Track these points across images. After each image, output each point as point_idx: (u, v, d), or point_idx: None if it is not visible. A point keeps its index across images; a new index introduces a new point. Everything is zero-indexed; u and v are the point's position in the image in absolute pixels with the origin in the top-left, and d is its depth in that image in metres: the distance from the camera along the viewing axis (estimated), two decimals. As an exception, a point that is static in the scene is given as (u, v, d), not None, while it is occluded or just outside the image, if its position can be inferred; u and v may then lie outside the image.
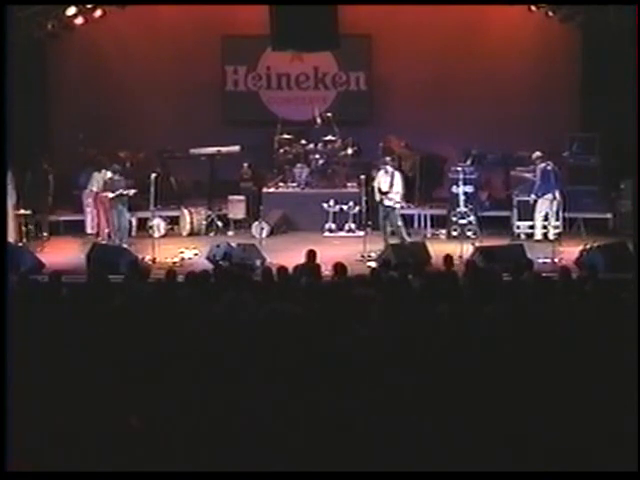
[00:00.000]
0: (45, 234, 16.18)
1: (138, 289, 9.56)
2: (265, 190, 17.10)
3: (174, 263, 13.85)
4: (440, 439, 5.70)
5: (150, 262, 13.75)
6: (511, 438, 5.72)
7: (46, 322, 7.96)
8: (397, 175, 15.10)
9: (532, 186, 15.57)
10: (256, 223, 15.80)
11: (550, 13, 16.62)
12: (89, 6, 16.43)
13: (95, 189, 16.09)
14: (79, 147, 17.35)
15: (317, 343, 7.06)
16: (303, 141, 17.63)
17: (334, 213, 16.52)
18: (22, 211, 15.70)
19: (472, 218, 15.74)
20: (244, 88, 19.24)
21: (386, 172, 15.04)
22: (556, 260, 13.53)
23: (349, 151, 17.42)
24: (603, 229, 16.14)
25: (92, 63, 18.39)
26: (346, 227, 16.40)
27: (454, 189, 16.09)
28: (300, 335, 7.23)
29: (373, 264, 13.20)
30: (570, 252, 13.84)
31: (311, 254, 11.39)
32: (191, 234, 16.58)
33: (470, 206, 15.87)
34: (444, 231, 16.14)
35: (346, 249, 14.67)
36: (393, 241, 14.65)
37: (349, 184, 17.14)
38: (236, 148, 17.46)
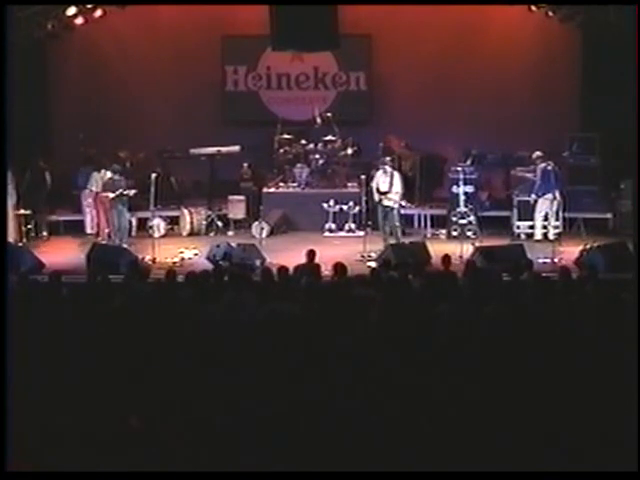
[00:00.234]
0: (45, 234, 16.19)
1: (138, 289, 9.56)
2: (265, 190, 17.09)
3: (174, 263, 13.84)
4: (440, 439, 5.70)
5: (150, 262, 13.74)
6: (511, 438, 5.72)
7: (46, 322, 7.96)
8: (396, 175, 15.10)
9: (532, 186, 15.56)
10: (256, 223, 15.80)
11: (550, 13, 16.62)
12: (89, 6, 16.44)
13: (95, 189, 16.09)
14: (79, 147, 17.34)
15: (317, 343, 7.06)
16: (303, 141, 17.62)
17: (334, 213, 16.51)
18: (22, 211, 15.70)
19: (472, 218, 15.73)
20: (244, 88, 19.24)
21: (385, 172, 15.04)
22: (556, 260, 13.52)
23: (349, 151, 17.41)
24: (603, 229, 16.14)
25: (92, 63, 18.40)
26: (346, 227, 16.39)
27: (454, 189, 16.08)
28: (300, 335, 7.23)
29: (373, 264, 13.19)
30: (570, 252, 13.84)
31: (311, 254, 11.38)
32: (191, 234, 16.57)
33: (470, 206, 15.86)
34: (444, 231, 16.13)
35: (346, 249, 14.66)
36: (392, 241, 14.65)
37: (349, 184, 17.13)
38: (236, 148, 17.45)
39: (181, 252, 14.65)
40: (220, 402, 6.08)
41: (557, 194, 15.21)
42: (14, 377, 6.19)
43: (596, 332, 7.38)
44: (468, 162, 16.82)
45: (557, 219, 15.27)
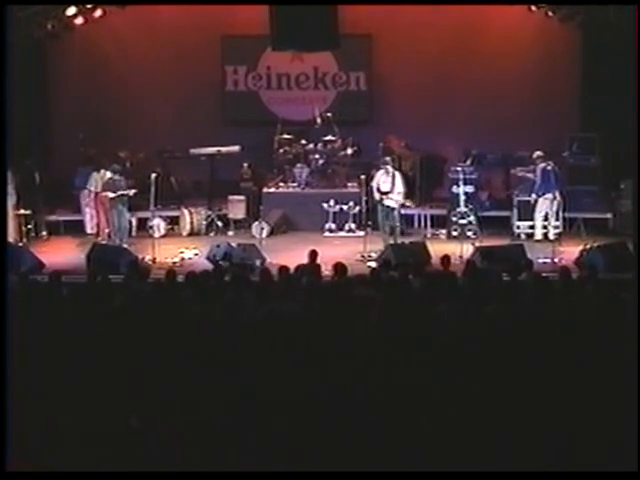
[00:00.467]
0: (44, 233, 16.18)
1: (138, 289, 9.56)
2: (265, 190, 17.08)
3: (174, 263, 13.84)
4: (440, 439, 5.70)
5: (150, 262, 13.74)
6: (511, 438, 5.72)
7: (46, 322, 7.96)
8: (398, 175, 15.10)
9: (532, 186, 15.55)
10: (256, 223, 15.79)
11: (550, 13, 16.62)
12: (89, 6, 16.43)
13: (94, 189, 16.08)
14: (79, 147, 17.33)
15: (317, 343, 7.06)
16: (303, 141, 17.61)
17: (334, 213, 16.51)
18: (22, 211, 15.70)
19: (472, 218, 15.72)
20: (244, 88, 19.24)
21: (387, 172, 15.02)
22: (556, 260, 13.52)
23: (349, 151, 17.40)
24: (603, 229, 16.13)
25: (92, 63, 18.39)
26: (346, 227, 16.38)
27: (454, 189, 16.07)
28: (300, 335, 7.23)
29: (373, 264, 13.19)
30: (570, 252, 13.83)
31: (313, 254, 11.35)
32: (191, 234, 16.56)
33: (470, 206, 15.85)
34: (444, 231, 16.12)
35: (346, 249, 14.65)
36: (392, 241, 14.64)
37: (349, 184, 17.13)
38: (236, 148, 17.45)
39: (181, 252, 14.65)
40: (220, 402, 6.08)
41: (557, 194, 15.21)
42: (14, 377, 6.19)
43: (596, 332, 7.37)
44: (468, 162, 16.82)
45: (557, 219, 15.27)
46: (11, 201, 15.18)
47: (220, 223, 16.70)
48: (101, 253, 13.57)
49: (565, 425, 5.85)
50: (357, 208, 16.03)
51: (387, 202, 14.92)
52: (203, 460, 5.60)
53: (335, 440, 5.66)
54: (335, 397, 6.06)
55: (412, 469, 5.43)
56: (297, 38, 15.43)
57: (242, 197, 17.01)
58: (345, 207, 16.40)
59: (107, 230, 15.65)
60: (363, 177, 15.38)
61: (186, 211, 16.71)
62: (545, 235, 15.38)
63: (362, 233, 14.98)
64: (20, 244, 14.94)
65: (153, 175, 14.90)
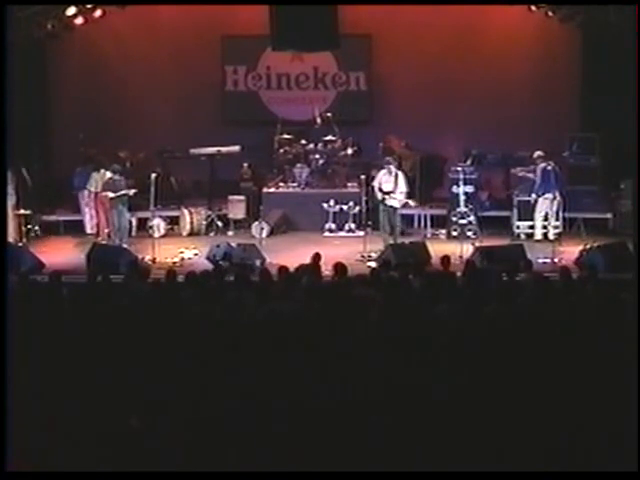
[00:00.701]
0: (37, 233, 16.15)
1: (138, 289, 9.56)
2: (265, 190, 17.08)
3: (174, 263, 13.84)
4: (440, 439, 5.70)
5: (150, 262, 13.74)
6: (511, 438, 5.72)
7: (46, 322, 7.96)
8: (400, 175, 15.09)
9: (532, 186, 15.55)
10: (256, 223, 15.79)
11: (550, 13, 16.61)
12: (89, 6, 16.41)
13: (94, 189, 16.09)
14: (79, 147, 17.33)
15: (317, 343, 7.06)
16: (303, 141, 17.61)
17: (334, 213, 16.50)
18: (22, 211, 15.70)
19: (472, 218, 15.72)
20: (244, 88, 19.24)
21: (389, 172, 14.99)
22: (556, 260, 13.52)
23: (349, 151, 17.40)
24: (603, 229, 16.13)
25: (92, 63, 18.38)
26: (346, 227, 16.38)
27: (454, 189, 16.08)
28: (300, 335, 7.23)
29: (373, 264, 13.19)
30: (570, 252, 13.83)
31: (317, 257, 11.27)
32: (191, 234, 16.56)
33: (470, 206, 15.85)
34: (444, 231, 16.12)
35: (346, 249, 14.65)
36: (392, 241, 14.64)
37: (349, 184, 17.13)
38: (236, 148, 17.45)
39: (181, 252, 14.65)
40: (220, 402, 6.08)
41: (557, 194, 15.21)
42: (14, 377, 6.19)
43: (596, 332, 7.37)
44: (468, 162, 16.82)
45: (557, 219, 15.27)
46: (11, 201, 15.19)
47: (220, 223, 16.71)
48: (101, 253, 13.57)
49: (565, 425, 5.85)
50: (357, 208, 16.03)
51: (390, 202, 14.89)
52: (203, 460, 5.61)
53: (335, 440, 5.66)
54: (335, 397, 6.06)
55: (412, 469, 5.43)
56: (297, 38, 15.43)
57: (242, 197, 17.01)
58: (345, 207, 16.40)
59: (107, 230, 15.66)
60: (363, 177, 15.39)
61: (186, 211, 16.71)
62: (545, 235, 15.38)
63: (362, 233, 14.98)
64: (20, 244, 14.94)
65: (153, 175, 14.90)
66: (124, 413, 5.99)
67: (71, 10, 15.95)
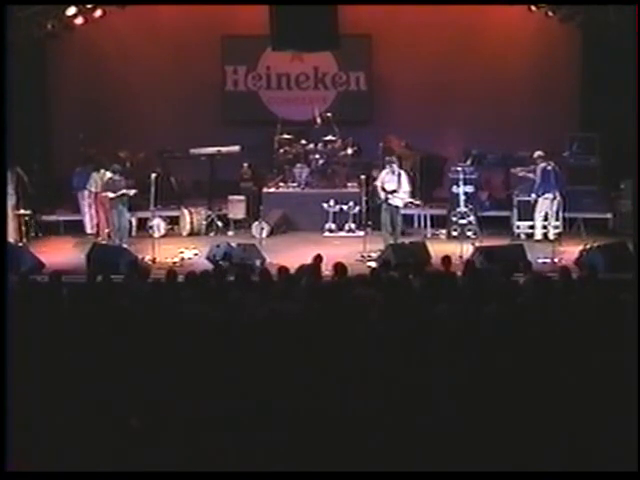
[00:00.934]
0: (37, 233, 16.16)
1: (138, 289, 9.56)
2: (265, 190, 17.08)
3: (174, 263, 13.84)
4: (440, 439, 5.70)
5: (150, 262, 13.74)
6: (511, 438, 5.72)
7: (46, 322, 7.96)
8: (403, 174, 15.08)
9: (532, 186, 15.55)
10: (256, 223, 15.79)
11: (550, 13, 16.60)
12: (89, 6, 16.41)
13: (94, 189, 16.10)
14: (79, 147, 17.33)
15: (317, 343, 7.06)
16: (303, 141, 17.61)
17: (334, 213, 16.50)
18: (22, 211, 15.70)
19: (472, 218, 15.72)
20: (244, 88, 19.24)
21: (392, 172, 14.97)
22: (556, 260, 13.52)
23: (349, 151, 17.40)
24: (603, 229, 16.13)
25: (92, 63, 18.38)
26: (346, 227, 16.38)
27: (454, 189, 16.08)
28: (300, 335, 7.23)
29: (373, 264, 13.19)
30: (570, 252, 13.83)
31: (318, 259, 11.25)
32: (191, 234, 16.56)
33: (470, 206, 15.85)
34: (444, 231, 16.12)
35: (346, 249, 14.65)
36: (393, 241, 14.64)
37: (349, 184, 17.13)
38: (236, 148, 17.45)
39: (181, 252, 14.65)
40: (220, 402, 6.08)
41: (557, 194, 15.21)
42: (14, 377, 6.19)
43: (596, 332, 7.37)
44: (468, 162, 16.82)
45: (557, 219, 15.26)
46: (11, 201, 15.19)
47: (220, 223, 16.70)
48: (101, 253, 13.57)
49: (565, 425, 5.85)
50: (357, 208, 16.03)
51: (393, 201, 14.87)
52: (203, 460, 5.61)
53: (335, 440, 5.66)
54: (335, 397, 6.06)
55: (412, 469, 5.43)
56: (297, 38, 15.43)
57: (242, 197, 17.01)
58: (345, 207, 16.40)
59: (107, 230, 15.66)
60: (363, 177, 15.38)
61: (186, 211, 16.71)
62: (545, 235, 15.38)
63: (362, 233, 14.98)
64: (20, 244, 14.94)
65: (153, 175, 14.90)
66: (124, 413, 5.99)
67: (71, 10, 15.95)
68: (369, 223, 15.42)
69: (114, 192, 15.16)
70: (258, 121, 18.58)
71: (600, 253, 13.02)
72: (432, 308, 8.08)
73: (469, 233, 15.50)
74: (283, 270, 10.15)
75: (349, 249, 14.64)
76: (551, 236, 15.09)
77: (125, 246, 14.57)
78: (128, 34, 18.39)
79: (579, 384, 6.31)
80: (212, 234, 16.47)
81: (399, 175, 14.95)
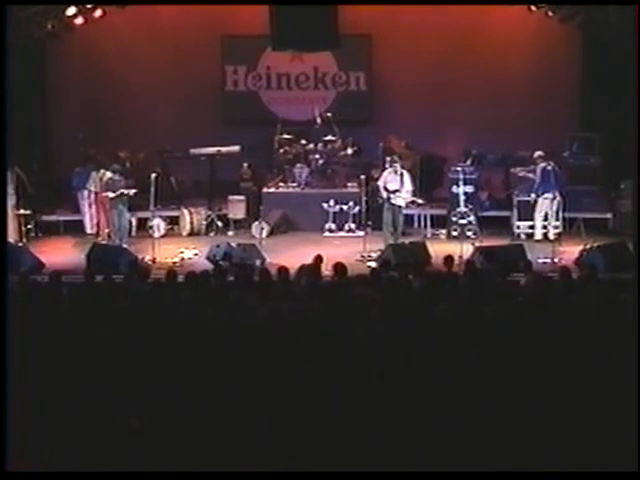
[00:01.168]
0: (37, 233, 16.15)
1: (138, 289, 9.56)
2: (265, 190, 17.08)
3: (174, 263, 13.84)
4: (440, 439, 5.70)
5: (150, 262, 13.74)
6: (511, 438, 5.72)
7: (46, 322, 7.96)
8: (406, 174, 15.09)
9: (532, 186, 15.55)
10: (256, 223, 15.79)
11: (550, 13, 16.62)
12: (89, 6, 16.42)
13: (93, 189, 16.10)
14: (79, 147, 17.33)
15: (317, 343, 7.06)
16: (303, 141, 17.62)
17: (334, 213, 16.51)
18: (22, 211, 15.70)
19: (472, 218, 15.73)
20: (244, 88, 19.25)
21: (395, 171, 14.98)
22: (556, 260, 13.52)
23: (349, 151, 17.41)
24: (603, 229, 16.14)
25: (92, 63, 18.39)
26: (346, 227, 16.39)
27: (454, 189, 16.08)
28: (300, 335, 7.23)
29: (373, 264, 13.19)
30: (570, 252, 13.84)
31: (318, 259, 11.24)
32: (191, 234, 16.56)
33: (470, 206, 15.85)
34: (444, 231, 16.12)
35: (346, 249, 14.65)
36: (393, 241, 14.64)
37: (349, 184, 17.13)
38: (236, 148, 17.45)
39: (181, 252, 14.65)
40: (220, 402, 6.08)
41: (557, 194, 15.21)
42: (14, 377, 6.19)
43: (596, 332, 7.37)
44: (468, 162, 16.83)
45: (557, 219, 15.26)
46: (11, 201, 15.19)
47: (220, 223, 16.71)
48: (101, 253, 13.57)
49: (565, 425, 5.85)
50: (357, 208, 16.04)
51: (396, 200, 14.87)
52: (203, 460, 5.60)
53: (335, 440, 5.66)
54: (335, 397, 6.06)
55: (412, 469, 5.43)
56: (297, 38, 15.44)
57: (242, 197, 17.02)
58: (345, 207, 16.40)
59: (107, 230, 15.66)
60: (363, 177, 15.39)
61: (186, 211, 16.71)
62: (545, 235, 15.39)
63: (362, 233, 14.98)
64: (20, 244, 14.94)
65: (153, 175, 14.90)
66: (124, 413, 5.99)
67: (71, 10, 15.96)
68: (369, 223, 15.42)
69: (114, 192, 15.16)
70: (258, 121, 18.58)
71: (600, 253, 13.02)
72: (432, 308, 8.07)
73: (469, 233, 15.51)
74: (283, 270, 10.14)
75: (349, 249, 14.64)
76: (551, 236, 15.09)
77: (125, 246, 14.57)
78: (128, 34, 18.40)
79: (579, 384, 6.31)
80: (212, 234, 16.47)
81: (402, 175, 14.96)
